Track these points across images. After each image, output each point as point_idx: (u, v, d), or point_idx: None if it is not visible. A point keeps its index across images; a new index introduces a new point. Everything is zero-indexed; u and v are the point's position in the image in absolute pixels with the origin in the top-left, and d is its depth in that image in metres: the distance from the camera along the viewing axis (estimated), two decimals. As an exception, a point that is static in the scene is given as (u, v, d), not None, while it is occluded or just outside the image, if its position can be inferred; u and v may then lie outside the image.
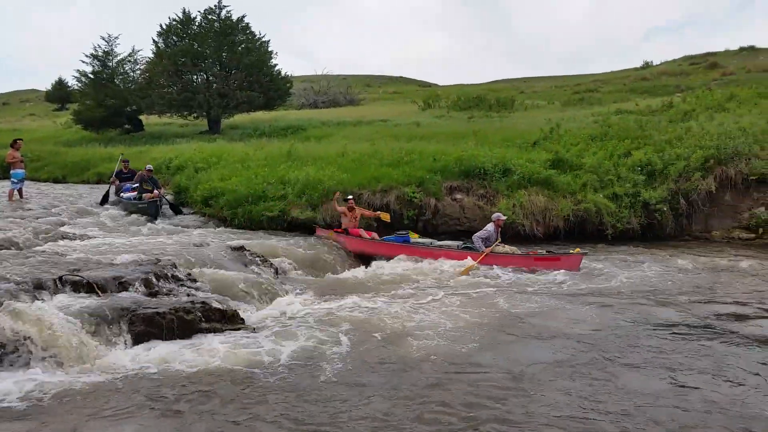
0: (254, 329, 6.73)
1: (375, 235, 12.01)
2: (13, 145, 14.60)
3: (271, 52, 34.63)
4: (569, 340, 6.40)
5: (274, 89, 34.10)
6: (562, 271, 9.90)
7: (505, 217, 11.47)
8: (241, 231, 12.35)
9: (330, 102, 45.43)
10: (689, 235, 13.86)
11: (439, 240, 11.86)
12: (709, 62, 43.12)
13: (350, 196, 12.33)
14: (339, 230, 11.95)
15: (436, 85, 61.67)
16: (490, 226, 11.22)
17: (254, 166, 15.13)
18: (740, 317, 7.31)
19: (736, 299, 8.18)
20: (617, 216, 13.30)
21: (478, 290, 8.72)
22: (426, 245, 11.32)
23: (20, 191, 15.15)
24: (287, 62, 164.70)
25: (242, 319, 6.93)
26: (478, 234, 11.20)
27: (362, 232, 11.94)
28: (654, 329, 6.77)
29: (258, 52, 33.56)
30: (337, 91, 47.42)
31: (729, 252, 11.97)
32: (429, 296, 8.24)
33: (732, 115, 18.15)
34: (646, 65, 50.72)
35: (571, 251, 10.49)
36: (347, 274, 10.15)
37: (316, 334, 6.45)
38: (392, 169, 14.10)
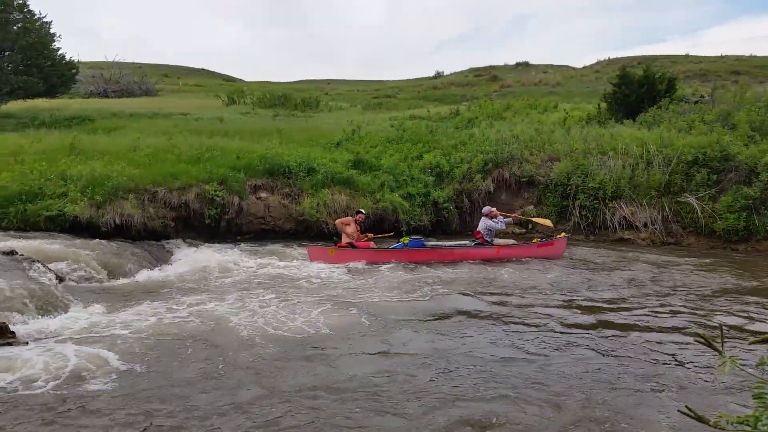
0: (27, 343, 6.02)
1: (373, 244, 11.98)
2: None
3: (54, 34, 30.99)
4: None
5: (56, 75, 30.52)
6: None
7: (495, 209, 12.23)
8: (13, 233, 10.88)
9: (122, 91, 41.94)
10: (472, 230, 15.37)
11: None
12: (490, 75, 48.20)
13: (362, 209, 12.42)
14: (343, 245, 11.37)
15: (241, 80, 60.26)
16: (500, 219, 11.84)
17: (30, 160, 13.41)
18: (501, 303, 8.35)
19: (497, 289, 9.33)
20: (411, 214, 14.31)
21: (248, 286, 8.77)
22: (443, 247, 11.60)
23: None
24: (72, 45, 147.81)
25: (13, 333, 6.15)
26: (487, 227, 11.69)
27: (371, 243, 11.78)
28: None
29: (38, 33, 29.78)
30: (131, 80, 43.94)
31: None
32: (214, 297, 8.09)
33: (508, 123, 20.55)
34: (438, 75, 55.07)
35: (558, 236, 11.86)
36: (136, 278, 9.50)
37: (95, 347, 5.97)
38: (192, 165, 13.51)
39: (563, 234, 12.19)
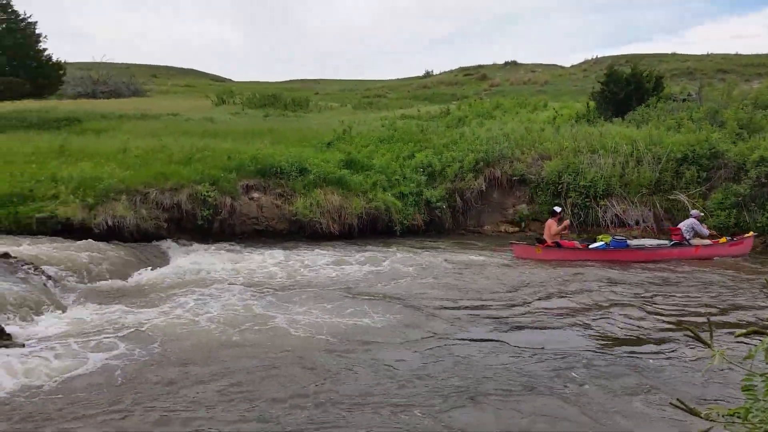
0: (23, 345, 6.03)
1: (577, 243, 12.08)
2: None
3: (39, 35, 30.75)
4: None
5: (43, 76, 30.29)
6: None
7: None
8: (4, 236, 10.83)
9: (111, 92, 41.67)
10: (465, 229, 15.47)
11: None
12: (480, 74, 48.33)
13: (559, 208, 12.27)
14: (549, 244, 11.60)
15: (230, 80, 60.04)
16: (700, 223, 11.92)
17: (19, 162, 13.34)
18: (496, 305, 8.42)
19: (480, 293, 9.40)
20: (404, 213, 14.35)
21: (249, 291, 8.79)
22: (645, 248, 11.57)
23: None
24: (59, 46, 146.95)
25: (8, 335, 6.16)
26: (691, 228, 11.72)
27: (576, 242, 11.79)
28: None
29: (23, 33, 29.54)
30: (119, 81, 43.69)
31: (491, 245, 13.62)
32: (208, 297, 8.10)
33: (498, 122, 20.62)
34: (428, 74, 55.15)
35: (746, 235, 11.91)
36: (136, 279, 9.50)
37: (91, 348, 5.99)
38: (183, 166, 13.48)
39: (751, 233, 12.22)
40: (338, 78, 60.83)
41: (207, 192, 12.74)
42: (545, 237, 11.97)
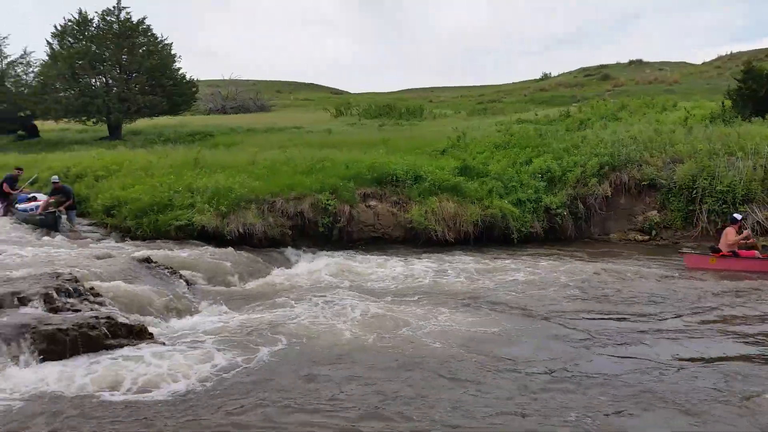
0: (164, 343, 6.51)
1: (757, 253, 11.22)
2: None
3: (175, 55, 33.50)
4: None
5: (178, 94, 32.96)
6: None
7: None
8: (146, 242, 11.85)
9: (239, 108, 44.50)
10: (589, 237, 14.74)
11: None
12: (602, 74, 46.20)
13: (740, 215, 11.67)
14: (725, 253, 11.12)
15: (347, 92, 61.98)
16: None
17: (159, 174, 14.56)
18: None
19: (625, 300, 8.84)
20: (522, 220, 13.96)
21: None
22: None
23: None
24: (191, 64, 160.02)
25: (151, 334, 6.67)
26: None
27: (756, 252, 11.17)
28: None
29: (160, 54, 32.34)
30: (247, 97, 46.54)
31: (625, 254, 12.85)
32: (342, 301, 8.29)
33: (624, 123, 19.55)
34: (545, 77, 53.55)
35: None
36: (262, 281, 10.01)
37: (227, 347, 6.34)
38: (305, 176, 14.04)
39: None
40: (451, 85, 60.75)
41: (327, 200, 13.16)
42: (721, 246, 11.13)
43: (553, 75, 53.21)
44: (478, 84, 61.36)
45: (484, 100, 41.77)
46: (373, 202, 14.09)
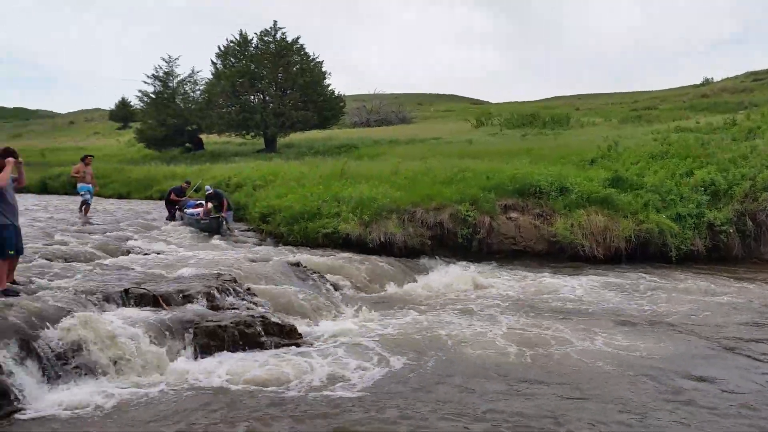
0: (312, 344, 6.80)
1: None
2: (84, 159, 15.37)
3: (325, 72, 35.37)
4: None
5: (328, 109, 34.76)
6: None
7: None
8: (296, 247, 12.54)
9: (382, 120, 45.88)
10: (759, 258, 13.19)
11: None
12: (775, 78, 41.43)
13: None
14: None
15: (488, 102, 61.42)
16: None
17: (309, 184, 15.36)
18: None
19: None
20: (681, 237, 12.82)
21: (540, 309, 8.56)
22: None
23: (87, 207, 15.73)
24: (337, 80, 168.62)
25: (300, 334, 7.01)
26: None
27: None
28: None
29: (312, 72, 34.31)
30: (389, 110, 47.87)
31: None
32: (486, 312, 8.14)
33: (803, 131, 17.34)
34: (707, 82, 49.18)
35: None
36: (403, 290, 10.15)
37: (373, 352, 6.48)
38: (445, 187, 14.05)
39: None
40: (601, 92, 57.78)
41: (467, 211, 13.05)
42: None
43: (715, 80, 48.68)
44: (630, 90, 57.78)
45: (637, 107, 39.21)
46: (514, 214, 13.73)
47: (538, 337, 7.10)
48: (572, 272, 11.56)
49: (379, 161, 19.71)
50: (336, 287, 9.52)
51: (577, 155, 17.42)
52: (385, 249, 12.23)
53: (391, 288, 10.19)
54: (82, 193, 15.55)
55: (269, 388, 5.44)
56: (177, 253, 11.01)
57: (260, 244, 13.09)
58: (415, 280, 10.83)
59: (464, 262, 12.37)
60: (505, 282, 10.66)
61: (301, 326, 7.39)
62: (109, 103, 77.94)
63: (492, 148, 21.24)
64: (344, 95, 37.79)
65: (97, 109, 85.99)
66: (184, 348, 6.16)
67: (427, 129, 35.55)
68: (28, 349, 5.33)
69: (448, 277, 10.92)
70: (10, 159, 6.54)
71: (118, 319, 6.20)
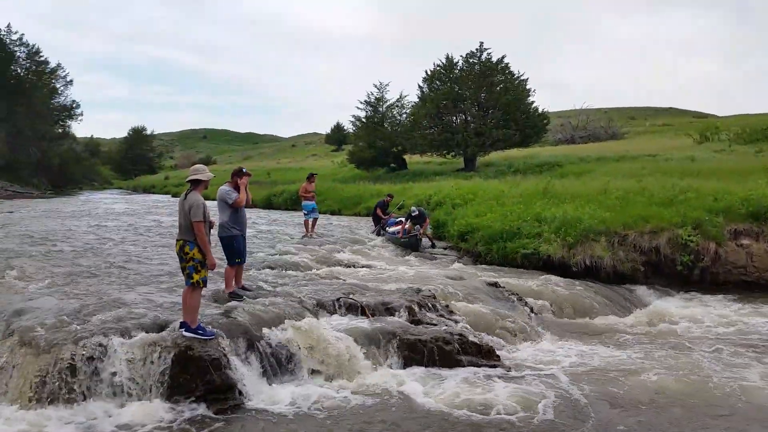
0: (509, 369, 6.59)
1: None
2: (309, 178, 16.15)
3: (529, 90, 34.75)
4: None
5: (530, 126, 34.06)
6: None
7: None
8: (494, 267, 12.35)
9: (588, 137, 43.66)
10: None
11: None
12: None
13: None
14: None
15: (713, 115, 55.08)
16: None
17: (509, 203, 15.09)
18: None
19: None
20: None
21: None
22: None
23: (312, 223, 16.06)
24: (541, 96, 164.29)
25: (498, 356, 6.85)
26: None
27: None
28: None
29: (516, 90, 33.94)
30: (597, 126, 45.38)
31: None
32: (720, 355, 7.16)
33: None
34: None
35: None
36: (609, 320, 9.39)
37: (573, 382, 6.08)
38: (663, 208, 12.78)
39: None
40: None
41: (689, 236, 11.72)
42: None
43: None
44: None
45: None
46: (746, 241, 12.00)
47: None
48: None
49: (585, 179, 18.69)
50: (535, 311, 9.15)
51: (833, 174, 14.72)
52: (590, 273, 11.49)
53: (597, 316, 9.47)
54: (306, 212, 15.80)
55: (461, 411, 5.36)
56: (380, 267, 11.54)
57: (458, 262, 13.14)
58: (626, 309, 9.96)
59: (684, 293, 11.14)
60: (746, 319, 9.23)
61: (498, 348, 7.21)
62: (325, 128, 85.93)
63: (719, 166, 18.91)
64: (547, 111, 36.73)
65: (315, 133, 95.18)
66: (387, 358, 6.40)
67: (641, 145, 32.91)
68: (252, 348, 5.95)
69: (668, 309, 9.89)
70: (245, 179, 7.45)
71: (329, 326, 6.67)
